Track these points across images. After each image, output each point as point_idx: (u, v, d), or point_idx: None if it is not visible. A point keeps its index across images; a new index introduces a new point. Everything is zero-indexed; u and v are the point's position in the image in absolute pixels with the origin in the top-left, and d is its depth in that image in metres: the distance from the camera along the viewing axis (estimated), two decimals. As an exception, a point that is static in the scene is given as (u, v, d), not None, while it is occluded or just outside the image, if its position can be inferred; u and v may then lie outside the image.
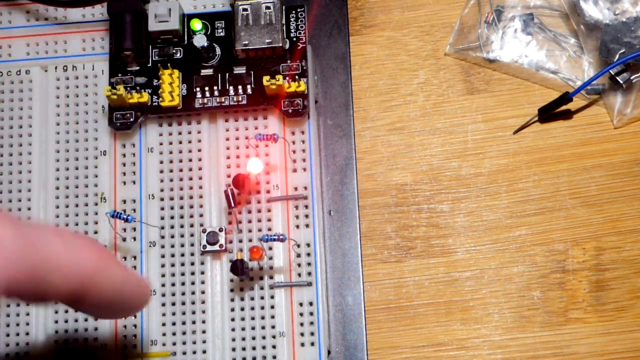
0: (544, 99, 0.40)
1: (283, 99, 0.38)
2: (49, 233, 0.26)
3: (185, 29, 0.40)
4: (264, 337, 0.36)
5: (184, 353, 0.36)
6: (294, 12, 0.39)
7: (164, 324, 0.37)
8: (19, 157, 0.39)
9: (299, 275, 0.37)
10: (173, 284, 0.37)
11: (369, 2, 0.42)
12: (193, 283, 0.37)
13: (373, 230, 0.39)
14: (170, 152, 0.39)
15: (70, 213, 0.38)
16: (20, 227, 0.25)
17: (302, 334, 0.37)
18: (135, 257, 0.38)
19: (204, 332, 0.37)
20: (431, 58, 0.42)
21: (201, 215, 0.38)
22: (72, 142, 0.39)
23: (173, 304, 0.37)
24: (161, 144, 0.39)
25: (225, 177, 0.38)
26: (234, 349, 0.36)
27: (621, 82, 0.39)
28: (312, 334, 0.36)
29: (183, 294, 0.37)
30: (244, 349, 0.36)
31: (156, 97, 0.39)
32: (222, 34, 0.40)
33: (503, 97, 0.41)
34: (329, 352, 0.37)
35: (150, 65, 0.39)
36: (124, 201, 0.39)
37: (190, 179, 0.38)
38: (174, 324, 0.37)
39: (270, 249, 0.37)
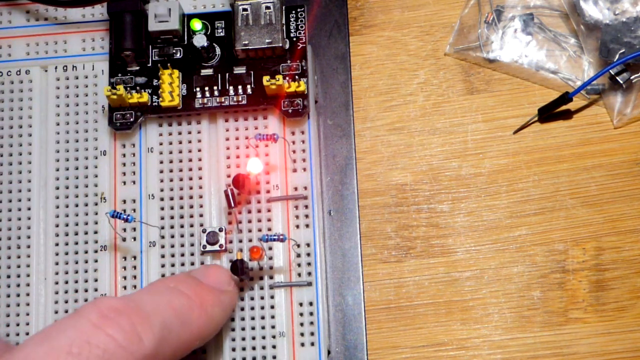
0: (544, 99, 0.40)
1: (283, 99, 0.38)
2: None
3: (185, 29, 0.40)
4: (264, 337, 0.36)
5: (184, 353, 0.36)
6: (294, 12, 0.39)
7: (164, 324, 0.37)
8: (19, 157, 0.39)
9: (299, 275, 0.37)
10: (173, 284, 0.37)
11: (369, 2, 0.42)
12: (193, 283, 0.37)
13: (373, 230, 0.39)
14: (170, 152, 0.39)
15: (70, 213, 0.38)
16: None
17: (302, 334, 0.37)
18: (135, 257, 0.38)
19: (204, 332, 0.37)
20: (431, 58, 0.42)
21: (201, 215, 0.38)
22: (72, 142, 0.39)
23: (173, 304, 0.37)
24: (161, 144, 0.39)
25: (225, 177, 0.38)
26: (234, 349, 0.36)
27: (621, 82, 0.39)
28: (312, 334, 0.36)
29: (183, 294, 0.37)
30: (244, 349, 0.36)
31: (156, 97, 0.39)
32: (222, 34, 0.40)
33: (503, 97, 0.41)
34: (329, 352, 0.37)
35: (150, 65, 0.39)
36: (124, 201, 0.39)
37: (190, 179, 0.38)
38: (174, 324, 0.37)
39: (270, 249, 0.37)
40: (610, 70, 0.39)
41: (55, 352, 0.27)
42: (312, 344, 0.36)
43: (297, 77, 0.38)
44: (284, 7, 0.39)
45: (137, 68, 0.39)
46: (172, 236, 0.38)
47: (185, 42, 0.40)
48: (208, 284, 0.34)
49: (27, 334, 0.37)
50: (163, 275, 0.37)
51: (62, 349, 0.27)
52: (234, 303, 0.36)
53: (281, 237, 0.36)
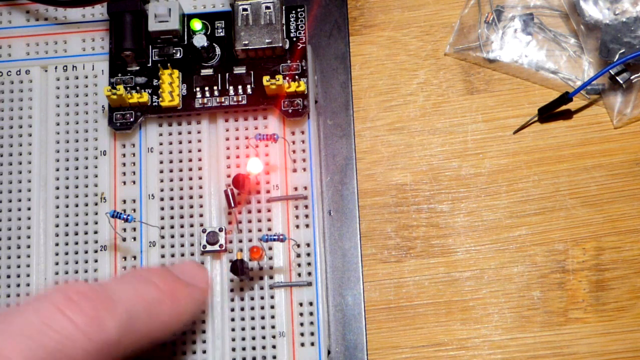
0: (544, 99, 0.40)
1: (283, 99, 0.38)
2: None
3: (185, 29, 0.40)
4: (264, 337, 0.36)
5: (184, 353, 0.36)
6: (294, 12, 0.39)
7: (164, 324, 0.37)
8: (19, 157, 0.39)
9: (299, 275, 0.37)
10: (173, 284, 0.37)
11: (369, 2, 0.42)
12: (193, 283, 0.37)
13: (373, 230, 0.39)
14: (170, 152, 0.39)
15: (70, 213, 0.38)
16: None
17: (302, 334, 0.37)
18: (135, 257, 0.38)
19: (204, 332, 0.37)
20: (431, 58, 0.42)
21: (201, 215, 0.38)
22: (72, 142, 0.39)
23: (173, 304, 0.37)
24: (161, 144, 0.39)
25: (225, 177, 0.38)
26: (234, 349, 0.36)
27: (621, 82, 0.39)
28: (312, 334, 0.36)
29: (183, 294, 0.37)
30: (244, 349, 0.36)
31: (156, 97, 0.39)
32: (222, 34, 0.40)
33: (503, 97, 0.41)
34: (329, 352, 0.37)
35: (150, 65, 0.39)
36: (124, 201, 0.39)
37: (190, 179, 0.38)
38: (174, 324, 0.37)
39: (270, 249, 0.37)
40: (610, 70, 0.39)
41: (10, 334, 0.26)
42: (312, 344, 0.36)
43: (297, 77, 0.38)
44: (284, 7, 0.39)
45: (137, 68, 0.39)
46: (172, 236, 0.38)
47: (185, 42, 0.40)
48: (182, 279, 0.34)
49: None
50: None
51: (18, 331, 0.26)
52: (205, 299, 0.36)
53: (281, 237, 0.36)
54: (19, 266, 0.38)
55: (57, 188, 0.39)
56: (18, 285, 0.38)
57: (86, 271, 0.38)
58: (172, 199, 0.38)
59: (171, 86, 0.38)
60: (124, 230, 0.38)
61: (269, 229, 0.37)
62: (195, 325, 0.37)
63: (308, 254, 0.37)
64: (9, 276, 0.38)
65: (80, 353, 0.27)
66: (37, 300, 0.28)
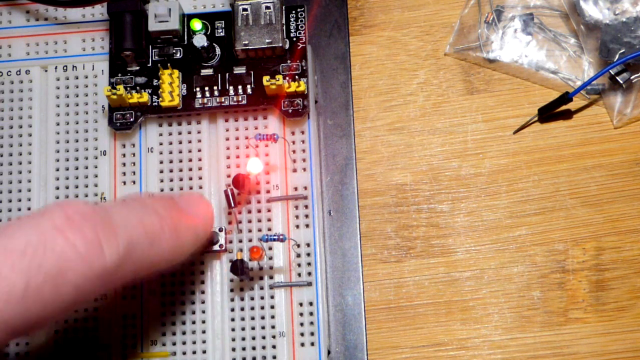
0: (544, 99, 0.40)
1: (283, 99, 0.38)
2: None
3: (185, 29, 0.40)
4: (264, 337, 0.36)
5: (184, 353, 0.36)
6: (294, 12, 0.39)
7: (164, 324, 0.37)
8: (19, 157, 0.39)
9: (299, 275, 0.37)
10: (173, 284, 0.37)
11: (369, 2, 0.42)
12: (193, 283, 0.37)
13: (373, 230, 0.39)
14: (170, 152, 0.39)
15: (70, 213, 0.38)
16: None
17: (302, 334, 0.37)
18: (135, 257, 0.38)
19: (204, 332, 0.37)
20: (431, 58, 0.42)
21: (201, 215, 0.38)
22: (72, 142, 0.39)
23: (173, 304, 0.37)
24: (161, 144, 0.39)
25: (225, 177, 0.38)
26: (234, 349, 0.36)
27: (621, 82, 0.39)
28: (312, 334, 0.36)
29: (183, 294, 0.37)
30: (244, 349, 0.36)
31: (156, 97, 0.39)
32: (222, 34, 0.40)
33: (503, 97, 0.41)
34: (329, 352, 0.37)
35: (150, 65, 0.39)
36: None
37: (190, 179, 0.38)
38: (174, 324, 0.37)
39: (270, 249, 0.37)
40: (610, 70, 0.39)
41: (7, 251, 0.25)
42: (312, 344, 0.36)
43: (297, 77, 0.38)
44: (284, 7, 0.39)
45: (137, 68, 0.39)
46: (172, 236, 0.38)
47: (185, 42, 0.40)
48: (186, 210, 0.33)
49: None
50: (163, 276, 0.37)
51: (15, 249, 0.26)
52: (207, 232, 0.35)
53: (281, 237, 0.36)
54: (19, 266, 0.38)
55: (57, 188, 0.39)
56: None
57: (86, 271, 0.38)
58: (172, 199, 0.38)
59: (171, 86, 0.38)
60: (124, 230, 0.38)
61: (269, 229, 0.37)
62: (195, 325, 0.37)
63: (308, 254, 0.37)
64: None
65: (79, 277, 0.26)
66: (38, 216, 0.27)
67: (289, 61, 0.39)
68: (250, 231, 0.37)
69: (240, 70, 0.39)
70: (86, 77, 0.40)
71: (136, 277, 0.30)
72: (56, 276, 0.26)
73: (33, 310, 0.26)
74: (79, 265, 0.26)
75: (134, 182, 0.39)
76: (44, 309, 0.26)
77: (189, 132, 0.39)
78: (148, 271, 0.30)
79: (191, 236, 0.33)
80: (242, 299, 0.37)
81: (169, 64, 0.39)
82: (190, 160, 0.39)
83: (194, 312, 0.37)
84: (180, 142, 0.39)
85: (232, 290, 0.37)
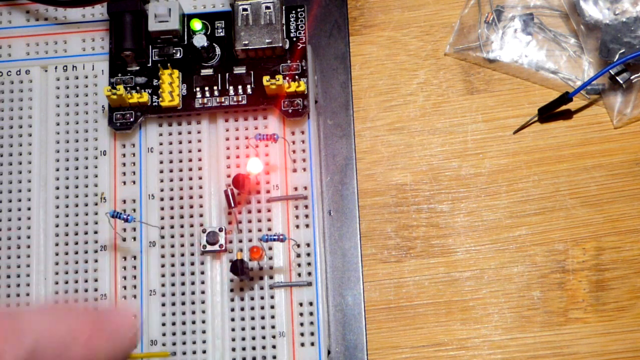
0: (544, 99, 0.40)
1: (283, 99, 0.38)
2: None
3: (185, 29, 0.40)
4: (264, 337, 0.36)
5: (184, 353, 0.36)
6: (294, 12, 0.39)
7: (164, 324, 0.37)
8: (19, 157, 0.39)
9: (299, 275, 0.37)
10: (173, 284, 0.37)
11: (369, 2, 0.42)
12: (193, 283, 0.37)
13: (373, 230, 0.39)
14: (170, 152, 0.39)
15: (70, 213, 0.38)
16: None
17: (302, 334, 0.37)
18: (135, 257, 0.38)
19: (204, 332, 0.37)
20: (431, 58, 0.42)
21: (201, 215, 0.38)
22: (72, 142, 0.39)
23: (173, 304, 0.37)
24: (161, 144, 0.39)
25: (225, 177, 0.38)
26: (234, 349, 0.36)
27: (621, 82, 0.39)
28: (312, 334, 0.36)
29: (183, 294, 0.37)
30: (244, 349, 0.36)
31: (156, 97, 0.39)
32: (222, 34, 0.40)
33: (503, 97, 0.41)
34: (329, 352, 0.37)
35: (150, 65, 0.39)
36: (124, 201, 0.39)
37: (190, 179, 0.38)
38: (174, 324, 0.37)
39: (270, 249, 0.37)
40: (610, 70, 0.39)
41: None
42: (312, 344, 0.36)
43: (297, 77, 0.38)
44: (284, 7, 0.39)
45: (137, 68, 0.39)
46: (172, 236, 0.38)
47: (185, 42, 0.40)
48: (107, 326, 0.31)
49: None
50: (163, 276, 0.37)
51: None
52: (126, 353, 0.33)
53: (281, 237, 0.36)
54: (19, 266, 0.38)
55: (57, 188, 0.39)
56: (18, 285, 0.38)
57: (86, 271, 0.38)
58: (172, 199, 0.38)
59: (171, 86, 0.38)
60: (124, 230, 0.38)
61: (269, 229, 0.37)
62: (195, 325, 0.37)
63: (308, 254, 0.37)
64: (9, 276, 0.38)
65: None
66: None
67: (289, 61, 0.39)
68: (250, 231, 0.37)
69: (240, 70, 0.39)
70: (86, 77, 0.40)
71: None
72: None
73: None
74: None
75: (134, 182, 0.39)
76: None
77: (189, 132, 0.39)
78: None
79: (109, 348, 0.32)
80: (242, 299, 0.37)
81: (169, 64, 0.39)
82: (190, 160, 0.39)
83: (194, 312, 0.37)
84: (180, 142, 0.39)
85: (232, 290, 0.37)
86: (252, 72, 0.39)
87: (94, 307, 0.33)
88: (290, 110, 0.38)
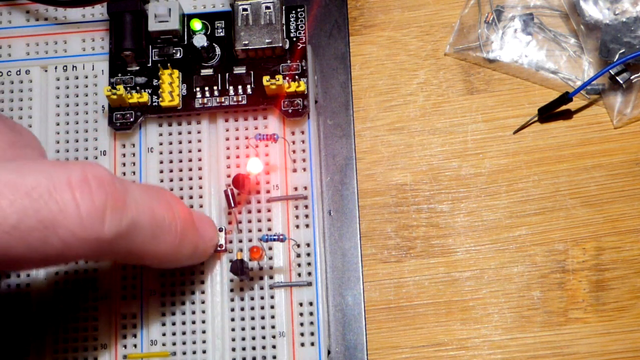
0: (544, 99, 0.40)
1: (283, 99, 0.38)
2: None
3: (185, 29, 0.40)
4: (264, 337, 0.36)
5: (184, 353, 0.36)
6: (294, 12, 0.39)
7: (164, 324, 0.37)
8: (19, 157, 0.39)
9: (299, 275, 0.37)
10: (173, 284, 0.37)
11: (369, 2, 0.42)
12: (193, 283, 0.37)
13: (373, 230, 0.39)
14: (170, 152, 0.39)
15: (70, 213, 0.38)
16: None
17: (302, 334, 0.37)
18: (135, 257, 0.38)
19: (204, 332, 0.37)
20: (431, 58, 0.42)
21: (201, 215, 0.38)
22: (72, 142, 0.39)
23: (173, 304, 0.37)
24: (161, 144, 0.39)
25: (225, 177, 0.38)
26: (234, 349, 0.36)
27: (621, 82, 0.39)
28: (312, 334, 0.36)
29: (183, 293, 0.37)
30: (244, 349, 0.36)
31: (156, 97, 0.39)
32: (222, 34, 0.40)
33: (503, 97, 0.41)
34: (329, 352, 0.37)
35: (150, 65, 0.39)
36: (124, 201, 0.39)
37: (190, 179, 0.38)
38: (174, 324, 0.37)
39: (270, 249, 0.37)
40: (610, 70, 0.39)
41: (13, 187, 0.26)
42: (312, 344, 0.36)
43: (297, 77, 0.38)
44: (284, 7, 0.39)
45: (137, 68, 0.39)
46: (172, 236, 0.38)
47: (185, 42, 0.40)
48: (199, 225, 0.33)
49: (27, 333, 0.37)
50: (163, 276, 0.37)
51: (22, 187, 0.26)
52: (206, 255, 0.35)
53: (281, 237, 0.36)
54: (19, 266, 0.38)
55: (57, 188, 0.39)
56: (18, 286, 0.38)
57: (86, 271, 0.38)
58: (172, 199, 0.38)
59: (171, 86, 0.39)
60: (124, 230, 0.38)
61: (269, 229, 0.37)
62: (195, 325, 0.37)
63: (308, 254, 0.37)
64: (8, 276, 0.38)
65: (70, 236, 0.26)
66: (58, 166, 0.27)
67: (289, 61, 0.39)
68: (250, 231, 0.37)
69: (240, 70, 0.39)
70: (86, 77, 0.40)
71: (126, 260, 0.30)
72: (48, 226, 0.26)
73: (16, 249, 0.26)
74: (74, 226, 0.26)
75: (133, 182, 0.39)
76: (27, 251, 0.26)
77: (189, 132, 0.39)
78: (138, 261, 0.30)
79: (191, 249, 0.33)
80: (242, 299, 0.37)
81: (169, 64, 0.39)
82: (190, 160, 0.39)
83: (194, 312, 0.37)
84: (180, 142, 0.39)
85: (232, 290, 0.37)
86: (252, 72, 0.39)
87: (190, 208, 0.34)
88: (290, 110, 0.38)
